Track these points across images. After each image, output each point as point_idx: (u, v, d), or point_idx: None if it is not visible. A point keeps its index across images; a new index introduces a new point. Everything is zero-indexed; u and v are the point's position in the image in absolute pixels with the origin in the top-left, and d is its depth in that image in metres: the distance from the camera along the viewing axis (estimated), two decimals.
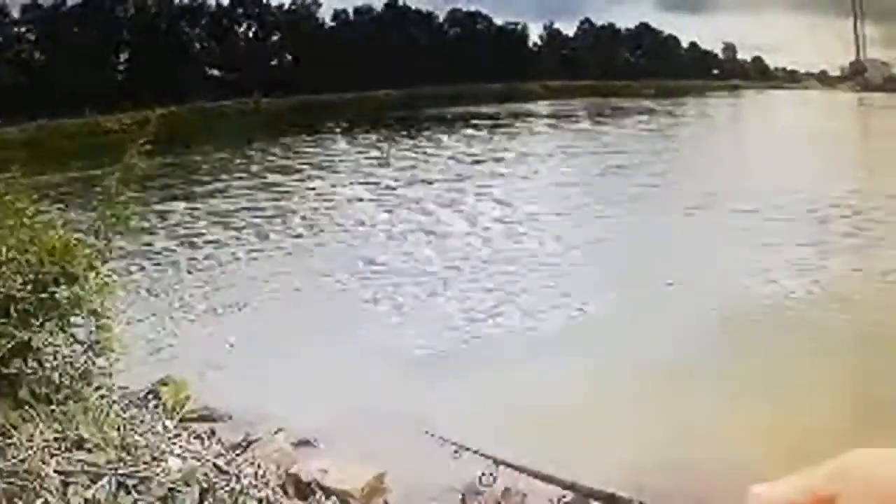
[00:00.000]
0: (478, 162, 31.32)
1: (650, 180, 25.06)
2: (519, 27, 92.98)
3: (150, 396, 8.79)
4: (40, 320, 6.90)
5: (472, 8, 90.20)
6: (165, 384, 9.07)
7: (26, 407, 6.65)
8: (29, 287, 6.74)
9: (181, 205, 24.63)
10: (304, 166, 33.41)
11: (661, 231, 19.01)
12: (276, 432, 8.30)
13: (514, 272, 15.59)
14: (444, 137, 44.44)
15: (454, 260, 16.83)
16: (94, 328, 7.36)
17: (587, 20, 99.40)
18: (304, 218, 22.59)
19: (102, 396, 7.70)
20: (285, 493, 7.18)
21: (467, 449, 5.92)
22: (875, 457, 0.82)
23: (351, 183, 28.38)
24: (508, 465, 5.65)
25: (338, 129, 50.50)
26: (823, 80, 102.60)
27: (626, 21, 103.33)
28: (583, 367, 10.20)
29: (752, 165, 28.19)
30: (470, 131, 45.29)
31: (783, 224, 18.39)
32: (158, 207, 22.64)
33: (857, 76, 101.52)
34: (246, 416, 8.87)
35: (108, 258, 7.77)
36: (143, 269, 16.55)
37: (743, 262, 15.30)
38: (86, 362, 7.52)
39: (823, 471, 0.84)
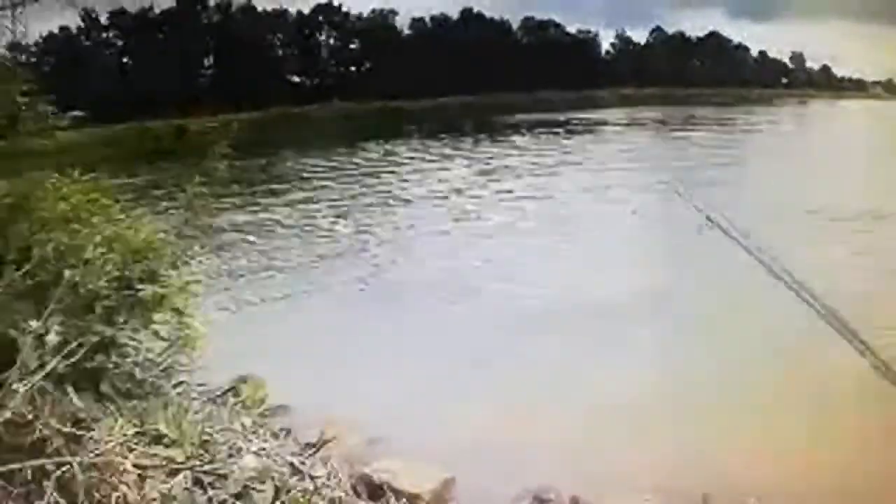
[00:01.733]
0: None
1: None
2: (591, 35, 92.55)
3: (229, 393, 8.74)
4: (124, 317, 6.89)
5: (546, 16, 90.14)
6: (244, 381, 9.03)
7: (107, 401, 6.65)
8: (114, 285, 6.74)
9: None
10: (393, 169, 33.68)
11: None
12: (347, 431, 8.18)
13: None
14: (519, 139, 44.47)
15: None
16: (176, 325, 7.35)
17: (658, 28, 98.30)
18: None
19: (182, 393, 7.68)
20: (357, 493, 7.06)
21: None
22: None
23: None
24: None
25: (415, 137, 50.61)
26: (890, 88, 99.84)
27: (696, 29, 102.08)
28: None
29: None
30: (545, 138, 45.17)
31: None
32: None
33: None
34: (322, 410, 8.74)
35: (191, 257, 7.76)
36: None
37: None
38: (167, 359, 7.51)
39: None
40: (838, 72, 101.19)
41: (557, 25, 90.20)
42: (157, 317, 7.20)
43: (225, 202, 19.23)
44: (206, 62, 74.34)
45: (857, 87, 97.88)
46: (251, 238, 19.47)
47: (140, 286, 6.89)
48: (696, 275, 14.43)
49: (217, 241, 16.60)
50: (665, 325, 11.73)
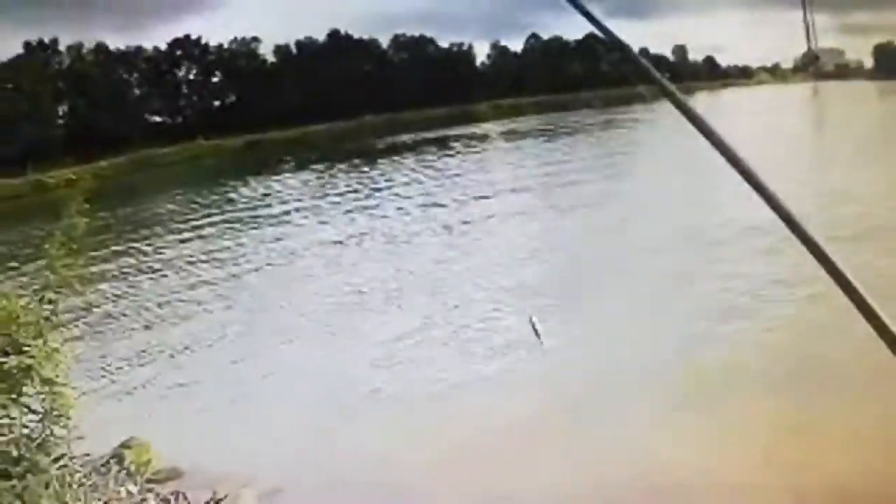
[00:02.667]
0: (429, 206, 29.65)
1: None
2: (465, 47, 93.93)
3: (113, 461, 8.65)
4: None
5: (417, 32, 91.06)
6: (128, 447, 8.94)
7: None
8: None
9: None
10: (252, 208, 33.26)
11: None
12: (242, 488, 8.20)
13: None
14: (400, 161, 44.58)
15: None
16: (48, 396, 7.25)
17: (534, 35, 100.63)
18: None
19: (62, 467, 7.58)
20: None
21: None
22: None
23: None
24: None
25: (287, 167, 50.39)
26: (776, 73, 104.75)
27: (574, 32, 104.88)
28: None
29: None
30: (422, 158, 45.36)
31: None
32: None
33: (810, 66, 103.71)
34: (214, 468, 8.71)
35: (56, 323, 7.67)
36: None
37: None
38: (43, 432, 7.40)
39: None
40: (723, 61, 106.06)
41: (430, 40, 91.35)
42: (26, 389, 7.10)
43: (94, 255, 18.84)
44: (60, 110, 72.36)
45: (742, 75, 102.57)
46: (123, 309, 18.78)
47: (3, 358, 6.81)
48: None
49: (86, 300, 16.21)
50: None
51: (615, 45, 1.79)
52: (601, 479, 7.58)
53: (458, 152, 48.22)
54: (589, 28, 1.77)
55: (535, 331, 10.32)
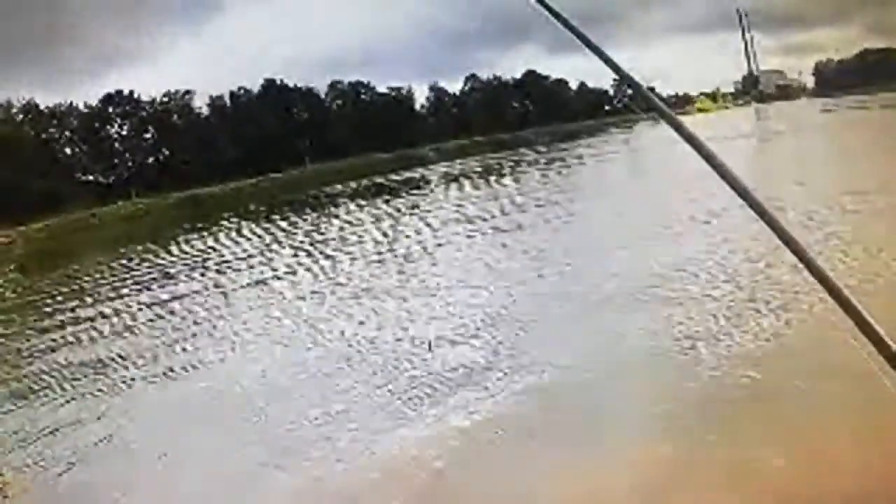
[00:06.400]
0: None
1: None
2: (404, 91, 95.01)
3: None
4: None
5: (354, 78, 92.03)
6: None
7: None
8: None
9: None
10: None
11: None
12: None
13: None
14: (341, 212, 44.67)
15: None
16: None
17: (473, 75, 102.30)
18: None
19: None
20: None
21: None
22: None
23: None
24: None
25: (225, 222, 50.41)
26: (716, 98, 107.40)
27: (513, 70, 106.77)
28: None
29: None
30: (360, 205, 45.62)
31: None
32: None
33: (751, 89, 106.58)
34: None
35: None
36: None
37: None
38: None
39: None
40: (664, 90, 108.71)
41: (367, 85, 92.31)
42: None
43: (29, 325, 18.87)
44: None
45: (684, 103, 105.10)
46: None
47: None
48: None
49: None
50: None
51: (626, 82, 1.80)
52: None
53: (397, 199, 48.72)
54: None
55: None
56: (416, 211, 37.84)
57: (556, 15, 1.74)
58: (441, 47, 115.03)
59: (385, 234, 30.84)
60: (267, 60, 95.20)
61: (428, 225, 27.65)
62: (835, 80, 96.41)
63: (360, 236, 31.47)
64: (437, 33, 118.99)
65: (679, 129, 1.68)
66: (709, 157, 1.60)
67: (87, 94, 79.70)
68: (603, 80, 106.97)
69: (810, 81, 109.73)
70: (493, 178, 49.74)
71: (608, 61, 1.78)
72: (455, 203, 36.37)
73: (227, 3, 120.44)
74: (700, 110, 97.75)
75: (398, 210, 41.78)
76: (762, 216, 1.52)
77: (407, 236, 32.13)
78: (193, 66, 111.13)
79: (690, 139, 1.64)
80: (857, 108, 55.83)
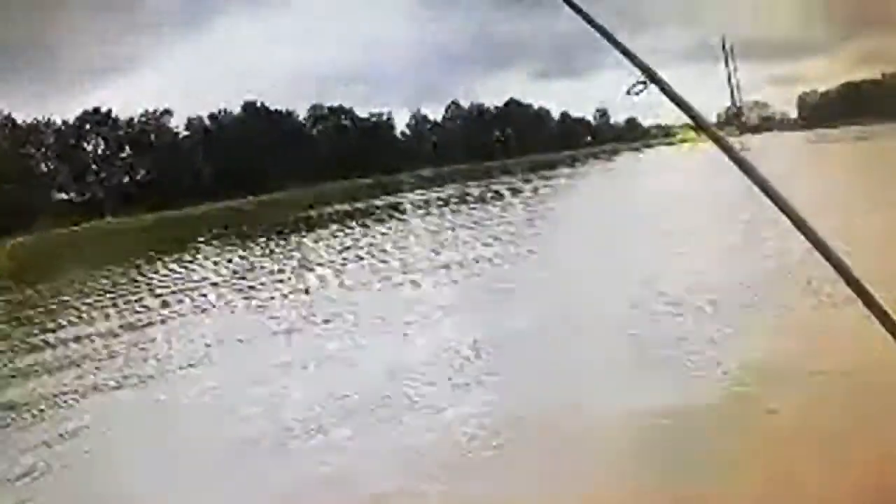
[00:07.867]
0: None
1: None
2: (384, 117, 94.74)
3: None
4: None
5: (335, 103, 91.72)
6: None
7: None
8: None
9: None
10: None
11: None
12: None
13: None
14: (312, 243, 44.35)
15: None
16: None
17: (454, 103, 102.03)
18: None
19: None
20: None
21: None
22: None
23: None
24: None
25: (200, 245, 50.08)
26: (696, 129, 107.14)
27: (496, 98, 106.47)
28: None
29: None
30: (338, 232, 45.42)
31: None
32: None
33: (734, 120, 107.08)
34: None
35: None
36: None
37: None
38: None
39: None
40: (645, 121, 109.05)
41: (348, 111, 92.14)
42: None
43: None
44: None
45: (664, 134, 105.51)
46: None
47: None
48: None
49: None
50: None
51: (675, 101, 1.76)
52: None
53: (368, 226, 48.61)
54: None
55: None
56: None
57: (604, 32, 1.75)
58: (425, 72, 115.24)
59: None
60: (246, 82, 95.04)
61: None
62: (817, 111, 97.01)
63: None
64: (423, 58, 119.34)
65: (729, 152, 1.67)
66: (761, 183, 1.56)
67: (64, 112, 78.97)
68: (588, 108, 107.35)
69: (793, 113, 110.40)
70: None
71: (659, 82, 1.73)
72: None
73: (208, 24, 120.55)
74: (682, 141, 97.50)
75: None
76: (816, 246, 1.46)
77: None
78: (171, 87, 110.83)
79: (740, 164, 1.64)
80: (856, 139, 55.92)
